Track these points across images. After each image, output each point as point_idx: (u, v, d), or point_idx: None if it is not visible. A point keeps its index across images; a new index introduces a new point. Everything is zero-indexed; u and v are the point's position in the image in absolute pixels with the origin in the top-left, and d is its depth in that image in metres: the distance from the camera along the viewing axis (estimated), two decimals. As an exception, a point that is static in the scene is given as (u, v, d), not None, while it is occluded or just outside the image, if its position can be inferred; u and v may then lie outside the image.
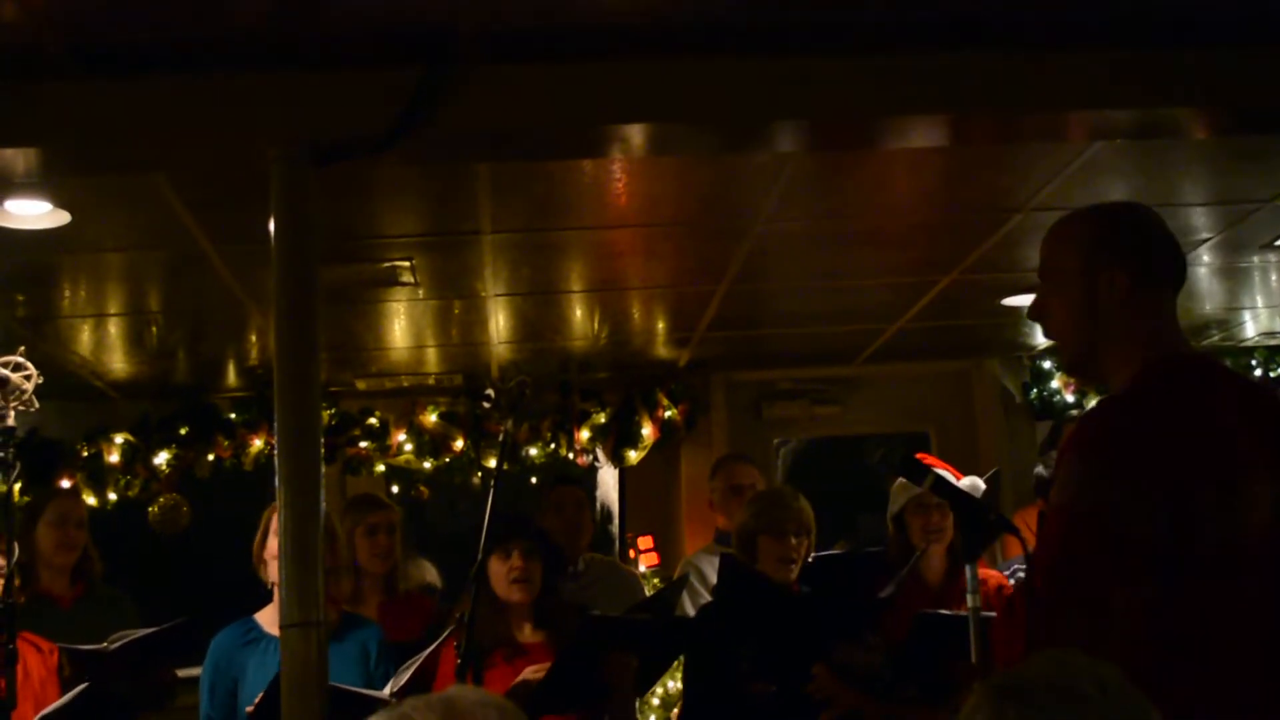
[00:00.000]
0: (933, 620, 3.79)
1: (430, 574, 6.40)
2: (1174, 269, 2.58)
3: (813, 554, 4.25)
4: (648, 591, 5.92)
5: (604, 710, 3.87)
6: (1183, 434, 2.37)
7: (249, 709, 3.58)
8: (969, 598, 3.07)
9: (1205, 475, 2.34)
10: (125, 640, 3.89)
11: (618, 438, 6.72)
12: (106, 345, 5.71)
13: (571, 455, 6.74)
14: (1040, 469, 4.82)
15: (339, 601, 4.21)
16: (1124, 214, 2.63)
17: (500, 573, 3.91)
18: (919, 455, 4.35)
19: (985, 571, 4.36)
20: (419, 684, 3.52)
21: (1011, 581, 4.52)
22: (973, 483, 4.20)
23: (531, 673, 3.71)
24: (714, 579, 4.73)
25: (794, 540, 4.13)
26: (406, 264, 4.67)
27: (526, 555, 3.92)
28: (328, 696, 2.91)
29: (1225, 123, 3.40)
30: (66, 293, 4.92)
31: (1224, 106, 3.24)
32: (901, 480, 4.35)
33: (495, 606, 3.91)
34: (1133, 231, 2.56)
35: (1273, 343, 7.09)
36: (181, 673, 4.25)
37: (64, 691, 3.85)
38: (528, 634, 3.94)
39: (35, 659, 4.02)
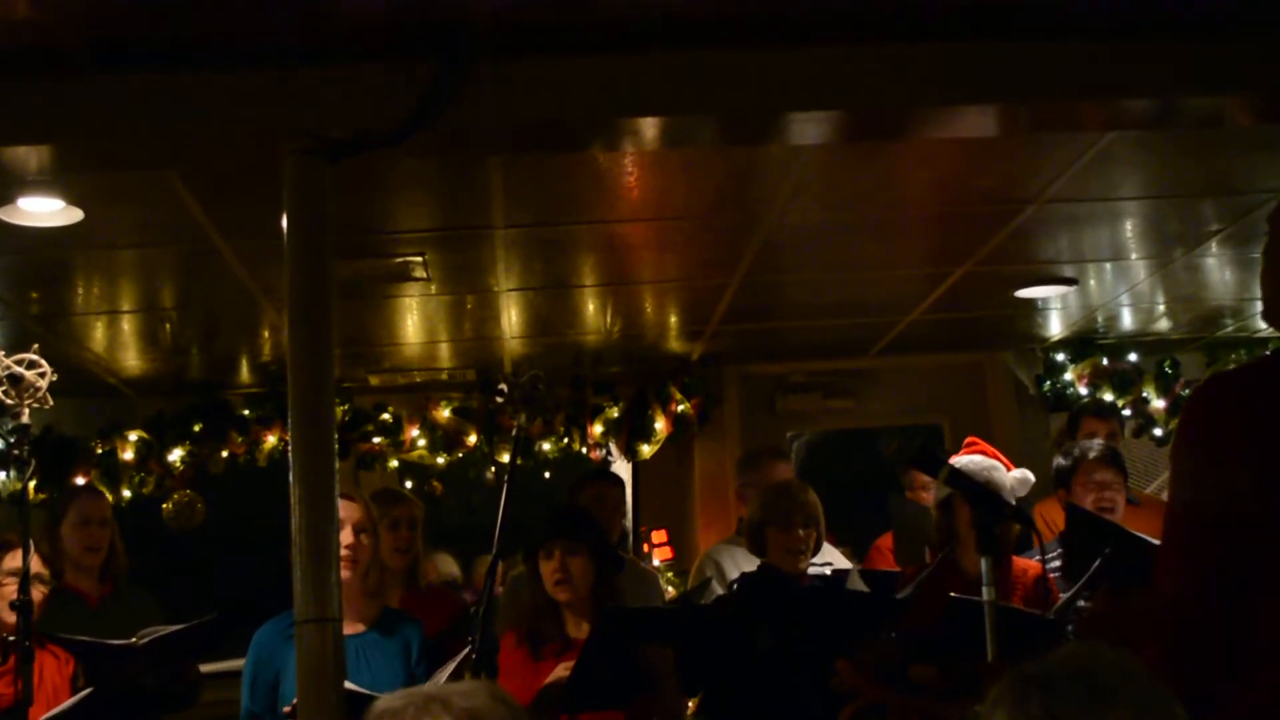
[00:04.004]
0: (965, 606, 3.76)
1: (451, 567, 6.39)
2: None
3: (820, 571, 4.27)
4: (664, 587, 5.89)
5: (652, 704, 3.85)
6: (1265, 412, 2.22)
7: (286, 709, 3.57)
8: (985, 590, 3.06)
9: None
10: (154, 636, 3.90)
11: (631, 432, 6.71)
12: (120, 342, 5.72)
13: (584, 450, 6.74)
14: (1059, 459, 4.79)
15: (380, 596, 4.17)
16: None
17: (545, 572, 3.88)
18: (971, 439, 4.35)
19: (1024, 562, 4.33)
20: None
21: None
22: (1023, 475, 4.17)
23: (563, 669, 3.69)
24: (733, 571, 4.73)
25: (801, 531, 4.25)
26: (419, 259, 4.67)
27: (567, 553, 3.86)
28: (345, 694, 2.90)
29: (1269, 109, 3.33)
30: (80, 290, 4.92)
31: (1266, 92, 3.19)
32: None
33: (549, 602, 3.90)
34: None
35: (1287, 333, 7.05)
36: (204, 668, 4.26)
37: None
38: (580, 629, 3.89)
39: (52, 666, 4.03)
